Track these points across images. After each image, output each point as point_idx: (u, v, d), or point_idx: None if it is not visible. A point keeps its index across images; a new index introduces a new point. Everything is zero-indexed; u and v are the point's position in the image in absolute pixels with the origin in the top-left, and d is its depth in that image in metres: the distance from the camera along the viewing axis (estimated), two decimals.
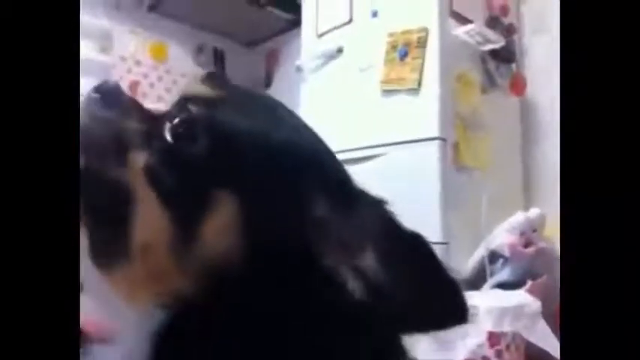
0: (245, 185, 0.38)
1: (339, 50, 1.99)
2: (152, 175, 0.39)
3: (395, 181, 1.53)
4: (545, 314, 1.36)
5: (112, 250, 0.39)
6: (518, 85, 2.03)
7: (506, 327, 1.29)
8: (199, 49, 3.16)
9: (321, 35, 2.11)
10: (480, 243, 1.64)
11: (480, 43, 1.82)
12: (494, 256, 1.63)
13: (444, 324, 0.37)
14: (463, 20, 1.79)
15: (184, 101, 0.42)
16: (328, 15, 2.10)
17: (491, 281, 1.59)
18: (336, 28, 2.04)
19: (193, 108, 0.40)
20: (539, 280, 1.53)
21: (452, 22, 1.76)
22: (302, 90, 2.15)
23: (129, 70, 2.81)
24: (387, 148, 1.74)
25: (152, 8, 2.87)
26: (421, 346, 1.37)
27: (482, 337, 1.30)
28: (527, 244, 1.65)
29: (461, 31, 1.76)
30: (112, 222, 0.39)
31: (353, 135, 1.77)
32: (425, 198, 1.60)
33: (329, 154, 0.43)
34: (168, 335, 0.37)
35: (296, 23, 2.55)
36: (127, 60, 2.81)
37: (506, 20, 2.01)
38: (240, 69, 3.22)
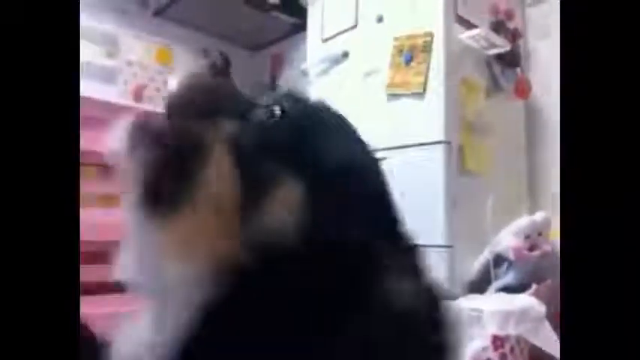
0: (312, 178, 0.41)
1: (345, 55, 2.00)
2: (234, 144, 0.43)
3: (400, 184, 1.53)
4: (550, 318, 1.36)
5: (175, 201, 0.41)
6: (523, 89, 2.03)
7: (511, 330, 1.29)
8: (204, 54, 3.18)
9: (326, 40, 2.13)
10: (485, 246, 1.64)
11: (485, 48, 1.83)
12: (499, 260, 1.64)
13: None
14: (468, 25, 1.79)
15: (279, 96, 0.47)
16: (333, 19, 2.11)
17: (496, 284, 1.59)
18: (341, 32, 2.05)
19: (286, 104, 0.46)
20: (544, 284, 1.53)
21: (457, 26, 1.77)
22: (307, 94, 2.15)
23: (135, 75, 2.83)
24: (393, 151, 1.74)
25: (157, 13, 2.88)
26: None
27: (486, 341, 1.31)
28: (532, 248, 1.66)
29: (466, 35, 1.77)
30: (182, 174, 0.42)
31: None
32: (430, 201, 1.61)
33: (385, 186, 0.47)
34: (216, 303, 0.38)
35: (301, 27, 2.56)
36: (133, 64, 2.83)
37: (511, 25, 2.01)
38: (245, 73, 3.24)
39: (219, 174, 0.41)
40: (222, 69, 0.50)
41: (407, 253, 0.43)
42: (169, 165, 0.43)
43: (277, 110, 0.45)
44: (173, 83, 0.48)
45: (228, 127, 0.44)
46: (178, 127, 0.45)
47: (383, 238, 0.42)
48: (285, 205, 0.40)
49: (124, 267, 0.43)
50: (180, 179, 0.41)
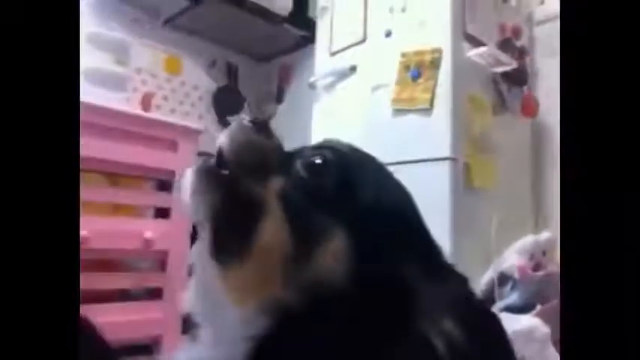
0: (357, 224, 0.44)
1: (352, 69, 2.01)
2: (284, 198, 0.46)
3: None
4: (555, 339, 1.35)
5: (234, 250, 0.45)
6: (529, 108, 2.03)
7: (517, 352, 1.28)
8: (213, 63, 3.20)
9: (334, 53, 2.14)
10: (490, 265, 1.63)
11: (492, 65, 1.84)
12: (503, 279, 1.62)
13: None
14: (476, 42, 1.80)
15: (318, 147, 0.51)
16: (342, 33, 2.12)
17: (500, 304, 1.58)
18: (349, 46, 2.06)
19: (327, 153, 0.49)
20: (549, 305, 1.52)
21: (465, 44, 1.78)
22: (314, 107, 2.17)
23: (144, 82, 2.85)
24: (398, 167, 1.74)
25: (167, 22, 2.91)
26: None
27: None
28: (536, 268, 1.64)
29: (473, 52, 1.77)
30: (241, 227, 0.46)
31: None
32: (435, 218, 1.59)
33: (425, 226, 0.49)
34: (265, 341, 0.41)
35: (310, 40, 2.57)
36: (142, 72, 2.85)
37: (518, 43, 2.02)
38: (253, 83, 3.26)
39: (273, 227, 0.45)
40: (264, 124, 0.53)
41: (449, 284, 0.44)
42: (234, 214, 0.47)
43: (318, 160, 0.48)
44: (223, 137, 0.51)
45: (277, 182, 0.48)
46: (238, 180, 0.48)
47: (426, 273, 0.43)
48: (333, 253, 0.43)
49: (188, 301, 0.49)
50: (240, 230, 0.45)
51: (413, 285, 0.42)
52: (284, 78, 3.19)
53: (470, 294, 0.44)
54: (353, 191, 0.46)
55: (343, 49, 2.09)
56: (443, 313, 0.40)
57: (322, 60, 2.20)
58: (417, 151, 1.72)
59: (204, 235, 0.48)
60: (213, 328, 0.46)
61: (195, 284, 0.49)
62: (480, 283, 1.62)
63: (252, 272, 0.44)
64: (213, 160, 0.51)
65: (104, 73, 2.55)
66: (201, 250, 0.48)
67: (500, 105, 1.90)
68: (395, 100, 1.80)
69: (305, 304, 0.41)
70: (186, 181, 0.50)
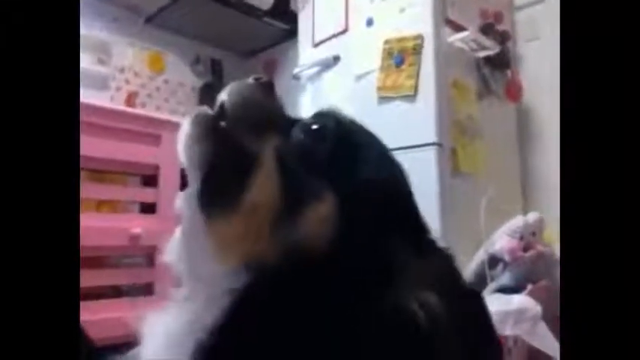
0: (348, 193, 0.44)
1: (336, 59, 2.00)
2: (280, 156, 0.46)
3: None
4: (546, 318, 1.36)
5: (224, 203, 0.45)
6: (513, 91, 2.04)
7: (508, 331, 1.29)
8: (197, 60, 3.18)
9: (317, 44, 2.13)
10: (479, 248, 1.64)
11: (474, 50, 1.84)
12: (493, 261, 1.63)
13: None
14: (458, 27, 1.80)
15: (319, 115, 0.51)
16: (324, 24, 2.11)
17: (491, 286, 1.59)
18: (332, 37, 2.06)
19: (327, 121, 0.49)
20: (540, 284, 1.53)
21: (447, 29, 1.78)
22: (300, 98, 2.16)
23: (127, 81, 2.82)
24: None
25: (149, 20, 2.89)
26: None
27: None
28: (526, 249, 1.66)
29: (456, 38, 1.78)
30: (232, 179, 0.45)
31: None
32: (423, 204, 1.60)
33: (415, 202, 0.50)
34: (244, 295, 0.41)
35: (293, 33, 2.57)
36: (125, 71, 2.82)
37: (500, 27, 2.03)
38: (238, 79, 3.24)
39: (264, 184, 0.45)
40: (268, 85, 0.53)
41: (435, 260, 0.44)
42: (226, 166, 0.47)
43: (316, 126, 0.49)
44: (225, 92, 0.51)
45: (274, 140, 0.48)
46: (235, 133, 0.48)
47: (411, 248, 0.43)
48: (321, 217, 0.43)
49: (171, 250, 0.49)
50: (232, 183, 0.45)
51: (397, 257, 0.41)
52: (269, 72, 3.18)
53: (454, 271, 0.44)
54: (347, 159, 0.46)
55: (326, 40, 2.08)
56: (426, 287, 0.40)
57: (306, 52, 2.20)
58: (402, 138, 1.72)
59: (194, 185, 0.47)
60: (194, 281, 0.46)
61: (181, 236, 0.49)
62: (470, 266, 1.63)
63: (238, 227, 0.44)
64: (211, 112, 0.50)
65: (86, 73, 2.52)
66: (189, 199, 0.47)
67: (485, 89, 1.91)
68: (380, 88, 1.80)
69: (287, 263, 0.41)
70: (183, 130, 0.49)
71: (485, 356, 0.41)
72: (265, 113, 0.50)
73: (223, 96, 0.51)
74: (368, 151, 0.49)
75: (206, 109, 0.51)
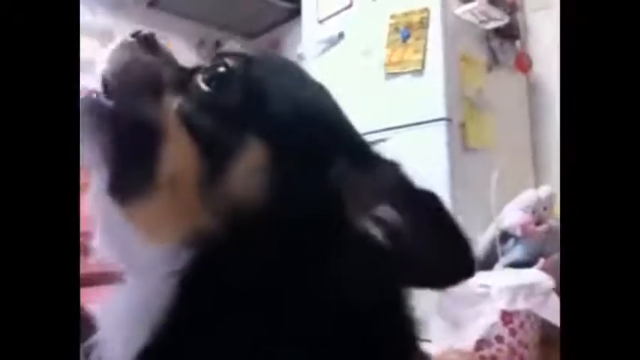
0: (273, 133, 0.40)
1: (341, 35, 1.97)
2: (186, 117, 0.41)
3: (402, 163, 1.52)
4: (559, 291, 1.35)
5: (137, 184, 0.40)
6: (523, 63, 2.00)
7: (520, 305, 1.28)
8: (201, 43, 3.15)
9: (321, 21, 2.10)
10: (491, 223, 1.63)
11: (482, 22, 1.80)
12: (505, 236, 1.62)
13: (454, 278, 0.39)
14: None
15: (220, 56, 0.45)
16: (328, 0, 2.08)
17: (503, 260, 1.58)
18: (336, 13, 2.02)
19: (230, 62, 0.44)
20: (552, 258, 1.52)
21: (453, 0, 1.74)
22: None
23: None
24: (393, 131, 1.72)
25: (152, 4, 2.86)
26: (435, 325, 1.36)
27: (495, 316, 1.30)
28: (538, 223, 1.64)
29: (463, 9, 1.73)
30: (139, 157, 0.41)
31: (358, 119, 1.75)
32: (433, 179, 1.57)
33: (347, 119, 0.46)
34: (191, 274, 0.38)
35: (296, 12, 2.53)
36: None
37: None
38: None
39: (177, 150, 0.40)
40: (148, 39, 0.47)
41: (383, 172, 0.41)
42: (126, 147, 0.42)
43: (221, 69, 0.43)
44: (104, 60, 0.45)
45: (174, 101, 0.43)
46: (125, 107, 0.43)
47: (353, 166, 0.40)
48: (249, 168, 0.39)
49: (102, 249, 0.44)
50: (139, 162, 0.41)
51: (342, 181, 0.39)
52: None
53: (403, 177, 0.40)
54: (263, 98, 0.42)
55: (330, 17, 2.05)
56: (377, 200, 0.38)
57: (310, 29, 2.16)
58: (411, 114, 1.70)
59: (101, 179, 0.42)
60: (134, 270, 0.42)
61: (102, 233, 0.44)
62: (481, 241, 1.62)
63: (163, 205, 0.40)
64: (95, 94, 0.44)
65: (90, 60, 2.51)
66: (98, 194, 0.42)
67: (493, 62, 1.87)
68: (386, 64, 1.77)
69: (229, 227, 0.38)
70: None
71: (453, 253, 0.38)
72: (153, 73, 0.44)
73: (102, 66, 0.44)
74: (282, 81, 0.44)
75: (90, 92, 0.45)
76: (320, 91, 0.47)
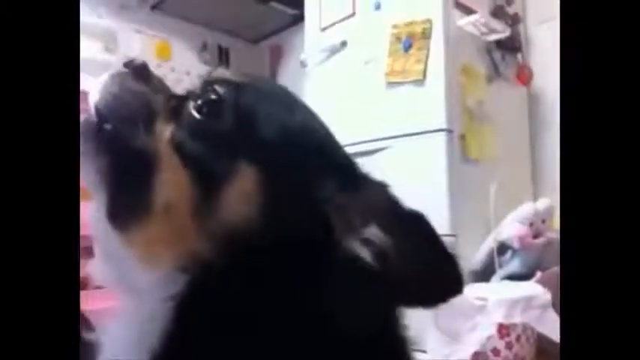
0: (263, 158, 0.42)
1: (343, 44, 1.98)
2: (178, 145, 0.43)
3: (402, 173, 1.52)
4: (556, 305, 1.35)
5: (133, 211, 0.42)
6: (524, 75, 2.01)
7: (517, 318, 1.28)
8: (203, 47, 3.16)
9: (324, 29, 2.10)
10: (489, 235, 1.63)
11: (484, 34, 1.81)
12: (503, 248, 1.62)
13: (443, 296, 0.40)
14: (467, 10, 1.77)
15: (210, 83, 0.46)
16: (331, 9, 2.08)
17: (500, 273, 1.58)
18: (339, 21, 2.03)
19: (220, 89, 0.45)
20: (549, 271, 1.52)
21: (456, 12, 1.74)
22: (306, 84, 2.14)
23: None
24: (393, 140, 1.73)
25: (156, 7, 2.87)
26: (431, 338, 1.36)
27: (492, 329, 1.30)
28: (536, 235, 1.64)
29: (465, 21, 1.74)
30: (134, 185, 0.42)
31: (358, 128, 1.76)
32: (432, 190, 1.59)
33: (336, 140, 0.47)
34: (187, 298, 0.39)
35: (300, 18, 2.53)
36: None
37: (510, 10, 1.98)
38: (245, 65, 3.22)
39: (171, 178, 0.42)
40: (141, 68, 0.48)
41: (370, 193, 0.42)
42: (122, 174, 0.43)
43: (212, 97, 0.44)
44: (96, 89, 0.46)
45: (167, 129, 0.44)
46: (120, 135, 0.44)
47: (342, 188, 0.41)
48: (241, 194, 0.40)
49: (98, 273, 0.45)
50: (135, 189, 0.42)
51: (331, 203, 0.40)
52: (276, 58, 3.15)
53: (391, 198, 0.41)
54: (253, 124, 0.43)
55: (333, 25, 2.05)
56: (365, 221, 0.39)
57: (312, 36, 2.17)
58: (411, 124, 1.70)
59: (101, 202, 0.44)
60: (130, 295, 0.43)
61: (101, 256, 0.45)
62: (479, 253, 1.62)
63: (158, 231, 0.41)
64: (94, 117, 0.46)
65: (93, 62, 2.52)
66: (98, 218, 0.43)
67: (495, 74, 1.87)
68: (388, 74, 1.78)
69: (223, 253, 0.39)
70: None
71: (441, 272, 0.39)
72: (146, 102, 0.46)
73: (94, 96, 0.46)
74: (271, 106, 0.45)
75: (89, 115, 0.46)
76: (309, 114, 0.47)
